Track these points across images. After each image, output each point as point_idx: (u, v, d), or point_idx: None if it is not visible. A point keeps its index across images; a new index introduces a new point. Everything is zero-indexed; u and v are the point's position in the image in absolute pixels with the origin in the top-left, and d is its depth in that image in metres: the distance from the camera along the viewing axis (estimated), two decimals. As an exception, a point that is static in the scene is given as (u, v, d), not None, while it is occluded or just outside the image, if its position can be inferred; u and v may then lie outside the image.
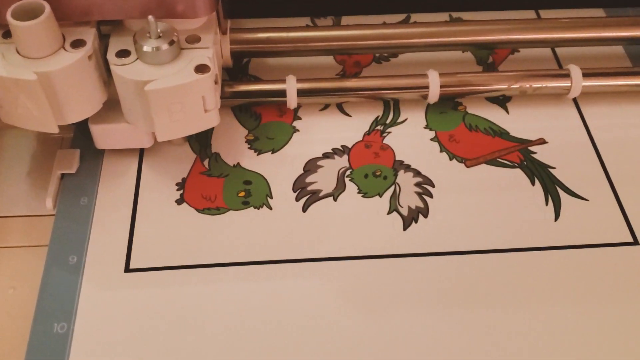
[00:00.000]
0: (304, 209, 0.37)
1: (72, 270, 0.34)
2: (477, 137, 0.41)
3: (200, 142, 0.40)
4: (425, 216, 0.37)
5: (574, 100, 0.42)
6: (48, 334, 0.32)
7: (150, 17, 0.33)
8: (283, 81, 0.41)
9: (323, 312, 0.33)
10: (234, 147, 0.40)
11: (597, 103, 0.42)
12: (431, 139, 0.41)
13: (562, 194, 0.38)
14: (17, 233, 0.36)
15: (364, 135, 0.41)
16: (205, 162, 0.39)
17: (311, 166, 0.39)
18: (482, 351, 0.32)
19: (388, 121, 0.42)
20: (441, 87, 0.40)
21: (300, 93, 0.41)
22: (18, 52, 0.33)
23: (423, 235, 0.36)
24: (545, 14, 0.48)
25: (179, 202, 0.38)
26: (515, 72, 0.41)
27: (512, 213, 0.37)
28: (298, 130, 0.41)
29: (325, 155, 0.40)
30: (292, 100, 0.41)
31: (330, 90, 0.41)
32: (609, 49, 0.46)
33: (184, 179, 0.39)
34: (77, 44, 0.34)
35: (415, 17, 0.48)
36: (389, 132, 0.41)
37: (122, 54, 0.35)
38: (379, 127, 0.41)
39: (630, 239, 0.36)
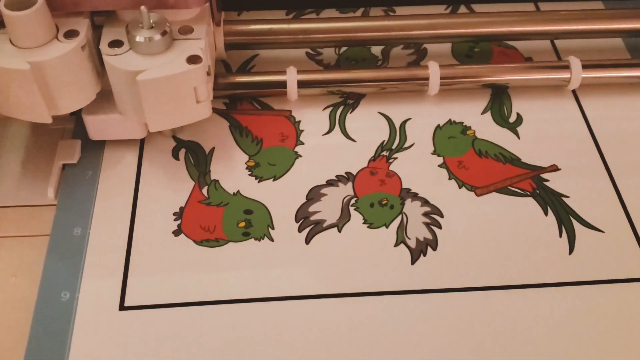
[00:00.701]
0: (307, 240, 0.36)
1: (65, 308, 0.33)
2: (487, 164, 0.39)
3: (199, 168, 0.39)
4: (434, 249, 0.35)
5: (573, 92, 0.42)
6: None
7: (142, 7, 0.33)
8: (283, 73, 0.40)
9: (327, 352, 0.31)
10: (234, 174, 0.39)
11: (596, 95, 0.42)
12: (439, 165, 0.39)
13: (576, 225, 0.36)
14: (18, 223, 0.36)
15: (369, 161, 0.39)
16: (204, 190, 0.38)
17: (314, 194, 0.38)
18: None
19: (394, 146, 0.40)
20: (441, 78, 0.40)
21: (301, 84, 0.40)
22: (11, 42, 0.33)
23: (432, 269, 0.35)
24: (544, 6, 0.47)
25: (177, 233, 0.36)
26: (515, 63, 0.42)
27: (525, 246, 0.35)
28: (300, 156, 0.40)
29: (329, 183, 0.38)
30: (292, 92, 0.40)
31: (331, 81, 0.41)
32: (608, 41, 0.45)
33: (181, 208, 0.37)
34: (70, 34, 0.34)
35: (414, 9, 0.47)
36: (395, 158, 0.39)
37: (115, 44, 0.35)
38: (385, 153, 0.40)
39: (649, 274, 0.34)
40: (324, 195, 0.38)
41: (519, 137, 0.40)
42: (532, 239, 0.36)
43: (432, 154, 0.40)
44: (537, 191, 0.38)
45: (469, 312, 0.33)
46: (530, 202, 0.37)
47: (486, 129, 0.41)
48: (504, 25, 0.42)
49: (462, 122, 0.41)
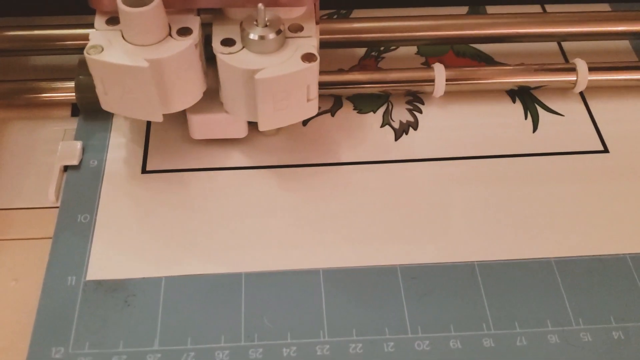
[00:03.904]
0: (304, 123, 0.41)
1: (94, 171, 0.38)
2: (465, 63, 0.44)
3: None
4: (415, 129, 0.40)
5: (581, 94, 0.43)
6: (72, 224, 0.35)
7: (260, 5, 0.33)
8: None
9: (324, 210, 0.36)
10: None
11: (604, 97, 0.43)
12: (422, 64, 0.44)
13: (540, 110, 0.41)
14: (19, 225, 0.36)
15: (360, 60, 0.44)
16: (213, 83, 0.43)
17: (311, 87, 0.43)
18: (463, 244, 0.35)
19: (382, 48, 0.45)
20: (447, 80, 0.41)
21: None
22: (125, 39, 0.33)
23: (413, 144, 0.40)
24: (551, 8, 0.48)
25: (190, 116, 0.41)
26: (521, 65, 0.42)
27: (495, 126, 0.41)
28: (298, 56, 0.44)
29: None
30: None
31: (333, 83, 0.41)
32: (615, 44, 0.46)
33: (193, 97, 0.42)
34: (184, 31, 0.33)
35: (419, 11, 0.47)
36: (383, 58, 0.44)
37: (227, 42, 0.34)
38: (374, 53, 0.45)
39: (601, 148, 0.39)
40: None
41: (493, 41, 0.45)
42: (501, 121, 0.41)
43: (415, 54, 0.45)
44: (507, 83, 0.43)
45: (445, 177, 0.38)
46: (500, 92, 0.42)
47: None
48: (510, 26, 0.43)
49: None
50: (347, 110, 0.42)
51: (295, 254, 0.34)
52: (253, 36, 0.33)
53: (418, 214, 0.36)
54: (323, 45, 0.41)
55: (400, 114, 0.41)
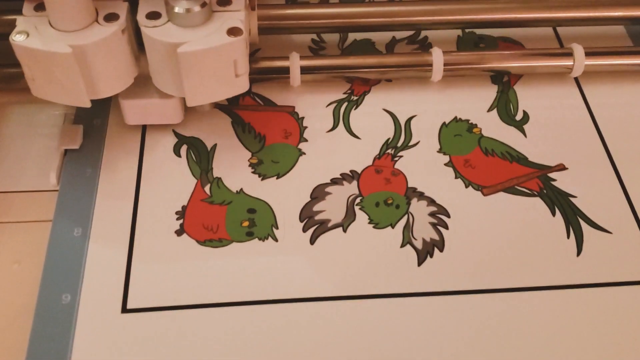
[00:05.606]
0: (312, 241, 0.35)
1: (65, 309, 0.32)
2: (494, 162, 0.39)
3: (201, 165, 0.38)
4: (441, 250, 0.35)
5: (576, 80, 0.42)
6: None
7: None
8: (286, 59, 0.40)
9: (330, 356, 0.31)
10: (236, 171, 0.38)
11: (598, 82, 0.42)
12: (445, 164, 0.38)
13: (584, 226, 0.36)
14: (20, 208, 0.36)
15: (374, 159, 0.39)
16: (207, 188, 0.37)
17: (319, 193, 0.37)
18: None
19: (399, 144, 0.39)
20: (445, 65, 0.40)
21: (304, 70, 0.40)
22: (51, 25, 0.33)
23: (439, 271, 0.34)
24: None
25: (179, 233, 0.35)
26: (517, 50, 0.43)
27: (533, 247, 0.35)
28: (304, 153, 0.39)
29: (334, 181, 0.38)
30: (295, 78, 0.41)
31: (334, 67, 0.41)
32: (610, 29, 0.46)
33: (184, 207, 0.36)
34: (111, 17, 0.34)
35: None
36: (401, 156, 0.39)
37: (153, 15, 0.34)
38: (390, 151, 0.39)
39: (658, 277, 0.34)
40: (329, 194, 0.37)
41: (525, 136, 0.40)
42: (540, 241, 0.35)
43: (438, 152, 0.39)
44: (545, 191, 0.37)
45: (477, 315, 0.32)
46: (537, 202, 0.37)
47: (492, 126, 0.40)
48: (506, 12, 0.43)
49: (468, 120, 0.41)
50: (361, 224, 0.36)
51: None
52: (178, 9, 0.33)
53: (448, 369, 0.31)
54: (273, 31, 0.42)
55: (423, 229, 0.36)
